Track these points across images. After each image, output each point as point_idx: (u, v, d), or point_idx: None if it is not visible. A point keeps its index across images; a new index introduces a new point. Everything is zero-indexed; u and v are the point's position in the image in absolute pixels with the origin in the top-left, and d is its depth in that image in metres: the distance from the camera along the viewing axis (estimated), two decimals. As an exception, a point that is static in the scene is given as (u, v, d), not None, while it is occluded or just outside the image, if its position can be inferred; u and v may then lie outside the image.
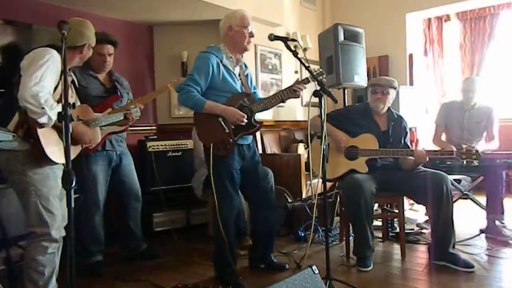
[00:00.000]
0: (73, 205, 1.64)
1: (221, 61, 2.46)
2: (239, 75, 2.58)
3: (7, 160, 1.99)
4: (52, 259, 2.02)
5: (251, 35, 2.52)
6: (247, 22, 2.49)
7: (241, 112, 2.41)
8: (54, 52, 1.98)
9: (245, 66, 2.67)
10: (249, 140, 2.61)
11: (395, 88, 2.93)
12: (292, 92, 2.50)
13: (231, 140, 2.42)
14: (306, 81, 2.49)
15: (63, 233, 2.06)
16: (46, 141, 1.93)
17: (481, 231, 3.26)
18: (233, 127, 2.43)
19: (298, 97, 2.56)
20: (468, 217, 3.68)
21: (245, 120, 2.41)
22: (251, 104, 2.50)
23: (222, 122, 2.41)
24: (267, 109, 2.62)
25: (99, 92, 2.77)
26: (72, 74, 2.29)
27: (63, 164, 1.89)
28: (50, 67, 1.92)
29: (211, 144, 2.38)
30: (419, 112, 4.46)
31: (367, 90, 3.03)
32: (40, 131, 1.92)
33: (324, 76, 2.49)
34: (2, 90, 2.00)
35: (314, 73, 2.47)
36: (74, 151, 2.15)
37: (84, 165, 2.68)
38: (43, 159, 1.96)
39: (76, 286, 1.63)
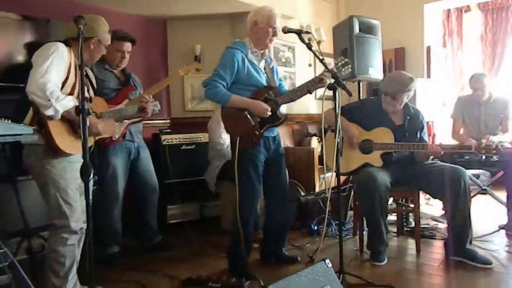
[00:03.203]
0: (91, 197, 1.68)
1: (246, 56, 2.49)
2: (265, 68, 2.60)
3: (27, 155, 2.05)
4: (72, 251, 2.06)
5: (275, 33, 2.51)
6: (273, 21, 2.49)
7: (266, 105, 2.43)
8: (60, 45, 2.02)
9: (271, 59, 2.69)
10: (275, 133, 2.63)
11: (408, 91, 2.76)
12: (319, 81, 2.45)
13: (257, 132, 2.46)
14: (332, 70, 2.44)
15: (83, 225, 2.10)
16: (56, 132, 1.97)
17: (500, 227, 3.20)
18: (258, 119, 2.46)
19: (325, 86, 2.45)
20: (486, 213, 3.61)
21: (269, 113, 2.44)
22: (276, 97, 2.52)
23: (248, 115, 2.44)
24: (293, 101, 2.61)
25: (115, 85, 2.82)
26: (87, 69, 2.32)
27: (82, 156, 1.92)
28: (56, 59, 1.96)
29: (238, 138, 2.41)
30: (436, 105, 4.37)
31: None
32: (50, 123, 1.95)
33: (350, 66, 2.47)
34: (22, 85, 2.05)
35: (340, 63, 2.45)
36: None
37: (104, 158, 2.72)
38: (54, 151, 2.00)
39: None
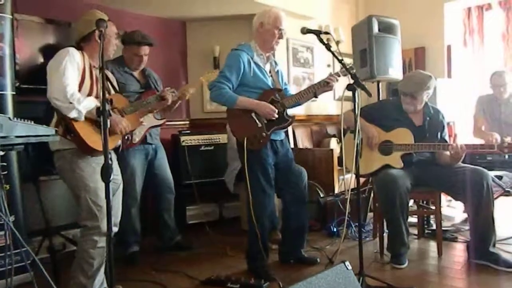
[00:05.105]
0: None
1: (252, 58, 2.49)
2: (270, 72, 2.60)
3: (58, 160, 2.11)
4: (101, 253, 2.09)
5: (281, 36, 2.51)
6: (279, 23, 2.48)
7: (273, 107, 2.43)
8: (71, 49, 2.07)
9: (276, 63, 2.69)
10: (282, 136, 2.63)
11: (427, 89, 2.73)
12: (325, 85, 2.48)
13: (264, 134, 2.44)
14: (338, 74, 2.47)
15: (115, 229, 2.15)
16: (85, 133, 2.02)
17: (525, 230, 3.11)
18: (265, 121, 2.45)
19: (331, 90, 2.53)
20: (510, 215, 3.52)
21: (276, 115, 2.44)
22: (283, 99, 2.51)
23: (255, 117, 2.44)
24: (299, 104, 2.62)
25: (136, 88, 2.88)
26: (107, 70, 2.36)
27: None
28: (69, 62, 2.02)
29: (245, 139, 2.41)
30: (457, 106, 4.29)
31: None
32: (77, 125, 2.00)
33: (354, 70, 2.43)
34: (44, 87, 2.10)
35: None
36: (114, 141, 2.21)
37: (123, 159, 2.77)
38: (88, 152, 2.04)
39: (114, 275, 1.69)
